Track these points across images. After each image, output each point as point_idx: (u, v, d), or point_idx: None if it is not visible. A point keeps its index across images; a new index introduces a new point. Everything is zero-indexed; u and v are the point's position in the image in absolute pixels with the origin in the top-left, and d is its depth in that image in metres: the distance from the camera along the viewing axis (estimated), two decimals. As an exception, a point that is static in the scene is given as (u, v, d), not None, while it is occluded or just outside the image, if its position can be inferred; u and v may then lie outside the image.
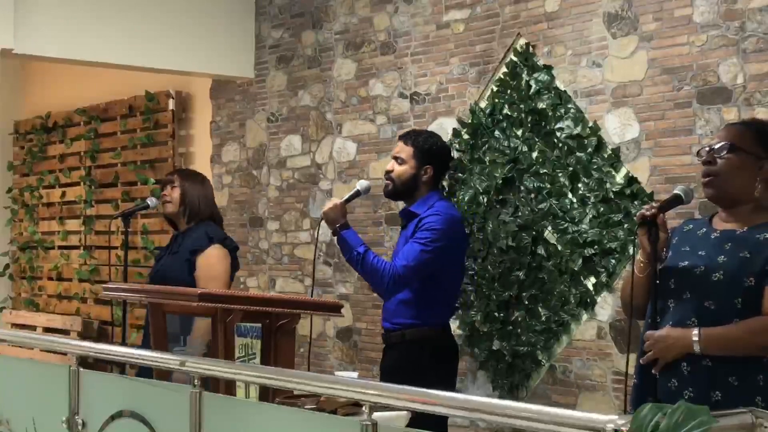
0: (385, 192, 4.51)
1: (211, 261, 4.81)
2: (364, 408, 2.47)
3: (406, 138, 4.49)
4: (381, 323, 4.59)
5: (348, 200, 4.40)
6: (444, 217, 4.34)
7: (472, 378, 5.08)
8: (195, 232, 4.96)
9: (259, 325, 3.96)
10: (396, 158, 4.45)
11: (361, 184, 4.50)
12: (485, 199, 5.04)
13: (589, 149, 4.64)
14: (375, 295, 5.45)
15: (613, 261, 4.55)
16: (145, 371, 3.76)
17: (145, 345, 4.80)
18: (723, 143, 3.20)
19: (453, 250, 4.39)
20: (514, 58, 4.98)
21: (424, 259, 4.25)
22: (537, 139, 4.86)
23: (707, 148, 3.24)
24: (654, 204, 3.22)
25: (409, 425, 2.60)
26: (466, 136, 5.18)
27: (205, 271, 4.79)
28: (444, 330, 4.47)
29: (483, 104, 5.12)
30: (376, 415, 2.43)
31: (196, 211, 5.01)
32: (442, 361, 4.43)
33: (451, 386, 4.47)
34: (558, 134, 4.77)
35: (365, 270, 4.30)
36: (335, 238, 4.39)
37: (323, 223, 4.36)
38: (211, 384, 3.37)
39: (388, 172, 4.45)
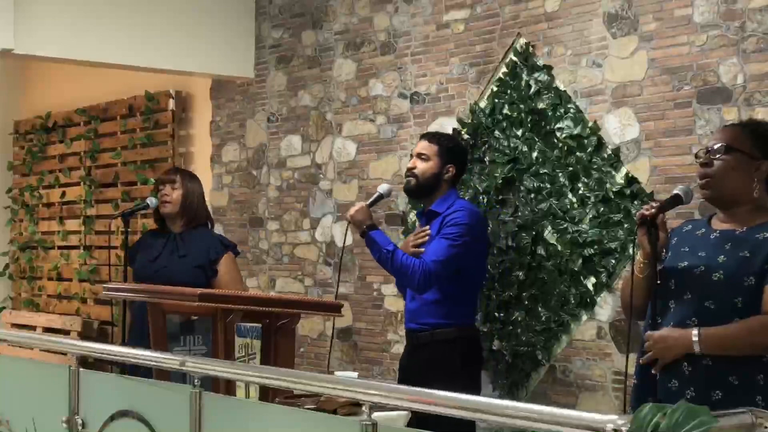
0: (405, 188, 4.59)
1: (232, 267, 4.99)
2: (364, 408, 2.47)
3: (430, 137, 4.60)
4: (405, 324, 4.64)
5: (372, 203, 4.53)
6: (469, 212, 4.45)
7: (472, 378, 5.08)
8: (202, 237, 4.95)
9: (259, 325, 3.97)
10: (420, 155, 4.52)
11: (382, 188, 4.63)
12: (485, 199, 5.04)
13: (589, 149, 4.64)
14: (375, 295, 5.46)
15: (613, 261, 4.55)
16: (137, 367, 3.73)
17: (131, 343, 4.80)
18: (718, 145, 3.20)
19: (478, 245, 4.48)
20: (514, 58, 4.98)
21: (453, 254, 4.33)
22: (537, 139, 4.85)
23: (704, 150, 3.24)
24: (654, 204, 3.21)
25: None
26: (466, 136, 5.17)
27: (230, 276, 4.93)
28: (472, 329, 4.54)
29: (483, 104, 5.11)
30: (376, 415, 2.43)
31: (194, 214, 4.99)
32: (471, 361, 4.50)
33: (478, 386, 4.54)
34: (558, 134, 4.76)
35: (395, 267, 4.36)
36: (363, 239, 4.47)
37: (350, 226, 4.47)
38: (211, 384, 3.37)
39: (410, 170, 4.53)
